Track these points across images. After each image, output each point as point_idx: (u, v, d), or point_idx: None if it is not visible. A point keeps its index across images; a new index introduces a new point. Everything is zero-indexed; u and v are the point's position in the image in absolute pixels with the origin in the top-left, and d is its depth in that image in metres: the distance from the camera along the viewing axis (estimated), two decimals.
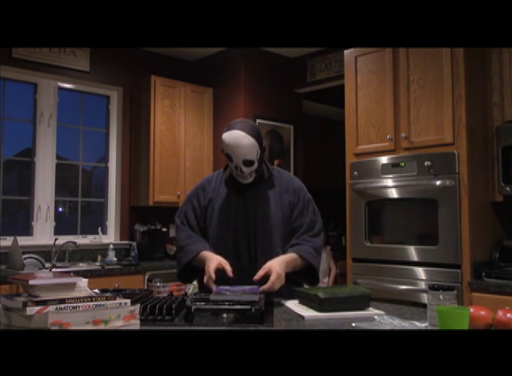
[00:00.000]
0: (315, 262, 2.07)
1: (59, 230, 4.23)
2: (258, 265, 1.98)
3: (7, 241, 3.71)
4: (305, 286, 2.18)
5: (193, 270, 2.12)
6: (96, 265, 3.95)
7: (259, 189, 2.14)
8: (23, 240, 3.79)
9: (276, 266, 1.90)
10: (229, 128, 2.03)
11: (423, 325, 1.47)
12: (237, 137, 1.99)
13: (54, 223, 4.21)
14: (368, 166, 3.31)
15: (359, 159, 3.38)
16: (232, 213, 2.10)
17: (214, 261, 1.94)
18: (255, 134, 2.03)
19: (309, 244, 2.08)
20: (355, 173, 3.37)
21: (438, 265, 2.92)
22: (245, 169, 2.04)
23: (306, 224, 2.13)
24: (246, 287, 1.81)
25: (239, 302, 1.58)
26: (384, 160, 3.22)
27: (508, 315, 1.37)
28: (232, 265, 1.94)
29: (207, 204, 2.17)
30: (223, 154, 2.09)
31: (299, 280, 2.14)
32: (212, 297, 1.66)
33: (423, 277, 2.98)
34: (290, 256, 2.02)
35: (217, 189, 2.18)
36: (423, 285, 2.94)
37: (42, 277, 1.28)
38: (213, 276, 1.87)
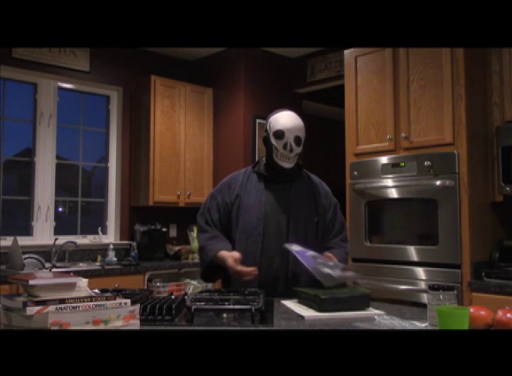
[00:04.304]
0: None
1: (59, 230, 4.23)
2: (290, 265, 2.02)
3: (7, 241, 3.71)
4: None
5: (216, 270, 2.13)
6: (96, 265, 3.95)
7: (291, 186, 2.15)
8: (23, 240, 3.78)
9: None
10: (278, 111, 2.14)
11: (423, 325, 1.47)
12: (292, 114, 2.12)
13: (54, 223, 4.20)
14: (368, 166, 3.31)
15: (359, 159, 3.38)
16: (262, 210, 2.10)
17: (229, 259, 1.97)
18: (302, 120, 2.15)
19: (343, 250, 2.15)
20: (355, 173, 3.37)
21: (438, 265, 2.92)
22: (295, 148, 2.07)
23: (337, 227, 2.18)
24: (311, 253, 1.90)
25: (239, 302, 1.59)
26: (384, 160, 3.22)
27: (508, 315, 1.37)
28: (260, 262, 2.01)
29: (233, 201, 2.15)
30: (266, 138, 2.12)
31: None
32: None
33: (423, 277, 2.98)
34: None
35: (244, 185, 2.17)
36: (423, 285, 2.94)
37: (42, 277, 1.28)
38: (240, 269, 1.94)
